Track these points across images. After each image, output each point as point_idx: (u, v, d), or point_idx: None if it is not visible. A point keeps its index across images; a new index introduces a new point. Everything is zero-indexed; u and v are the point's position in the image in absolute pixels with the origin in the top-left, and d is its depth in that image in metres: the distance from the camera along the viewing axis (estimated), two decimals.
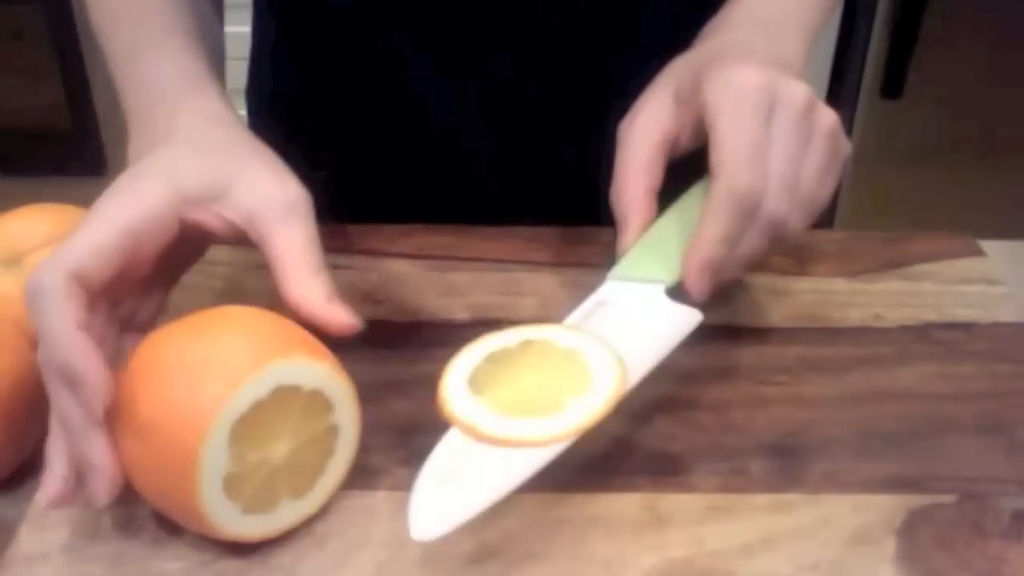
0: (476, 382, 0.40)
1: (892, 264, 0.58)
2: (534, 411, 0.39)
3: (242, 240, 0.46)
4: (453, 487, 0.39)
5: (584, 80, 0.63)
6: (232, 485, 0.38)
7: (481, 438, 0.38)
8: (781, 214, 0.45)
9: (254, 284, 0.56)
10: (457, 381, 0.40)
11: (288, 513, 0.40)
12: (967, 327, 0.54)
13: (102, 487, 0.38)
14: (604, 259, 0.52)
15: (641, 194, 0.48)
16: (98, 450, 0.38)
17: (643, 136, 0.49)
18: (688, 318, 0.46)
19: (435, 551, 0.40)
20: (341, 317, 0.44)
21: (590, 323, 0.46)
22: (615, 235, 0.60)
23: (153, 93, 0.51)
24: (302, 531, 0.41)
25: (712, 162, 0.45)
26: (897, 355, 0.51)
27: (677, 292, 0.47)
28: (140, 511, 0.42)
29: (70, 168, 1.73)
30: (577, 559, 0.40)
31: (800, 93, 0.45)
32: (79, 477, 0.39)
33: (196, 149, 0.46)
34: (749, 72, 0.45)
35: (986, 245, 0.60)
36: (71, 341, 0.38)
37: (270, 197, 0.45)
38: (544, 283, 0.57)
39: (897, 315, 0.54)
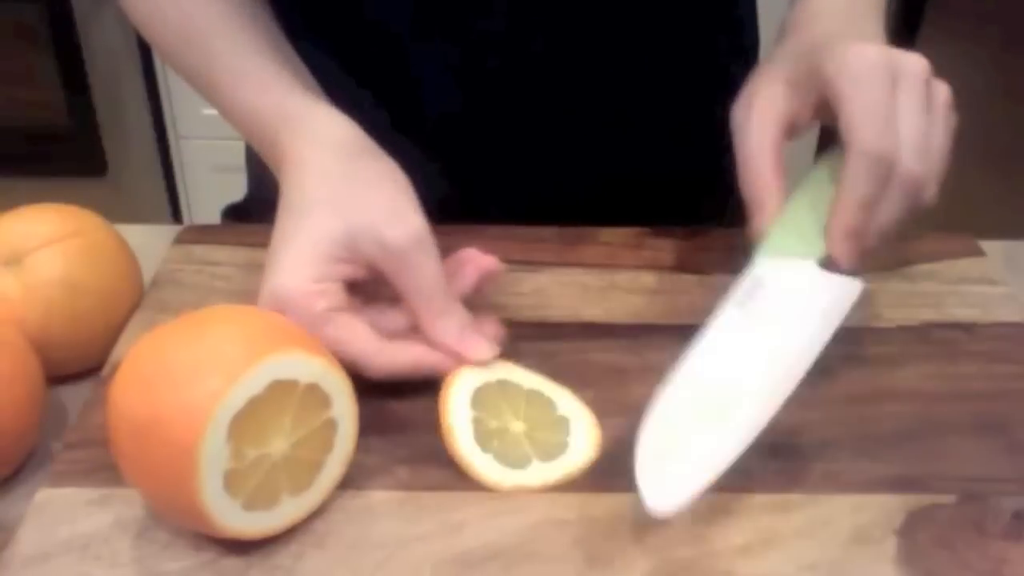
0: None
1: (892, 264, 0.58)
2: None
3: (374, 274, 0.47)
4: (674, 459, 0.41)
5: (599, 81, 0.64)
6: (232, 482, 0.38)
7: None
8: (916, 176, 0.47)
9: (254, 284, 0.56)
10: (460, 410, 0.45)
11: (289, 509, 0.40)
12: (967, 327, 0.53)
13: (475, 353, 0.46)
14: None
15: (775, 177, 0.50)
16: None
17: (765, 120, 0.50)
18: (848, 288, 0.47)
19: (435, 550, 0.40)
20: (476, 348, 0.47)
21: (753, 304, 0.47)
22: (615, 235, 0.60)
23: (263, 120, 0.52)
24: (302, 530, 0.41)
25: (844, 131, 0.47)
26: (897, 355, 0.51)
27: (827, 263, 0.48)
28: (140, 511, 0.42)
29: (70, 168, 1.73)
30: (577, 559, 0.40)
31: (920, 64, 0.48)
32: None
33: (329, 205, 0.47)
34: (868, 48, 0.47)
35: (986, 245, 0.60)
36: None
37: (395, 236, 0.46)
38: (544, 283, 0.57)
39: (897, 315, 0.54)
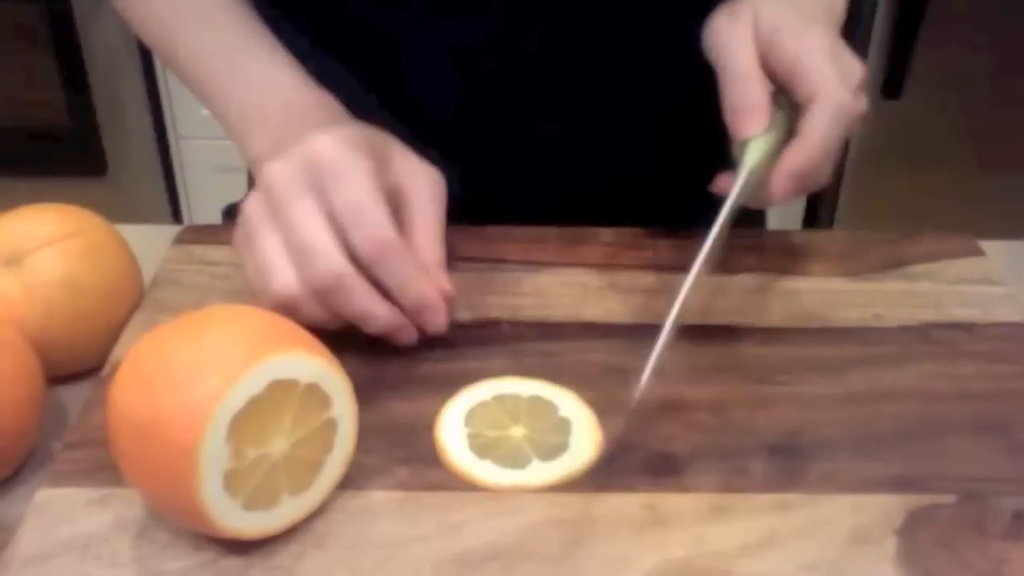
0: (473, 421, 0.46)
1: (892, 264, 0.58)
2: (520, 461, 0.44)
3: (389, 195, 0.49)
4: None
5: (596, 81, 0.64)
6: (232, 482, 0.38)
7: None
8: (830, 163, 0.50)
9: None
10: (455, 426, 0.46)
11: (289, 509, 0.40)
12: (967, 327, 0.53)
13: (439, 319, 0.49)
14: (605, 256, 0.52)
15: (767, 96, 0.51)
16: (427, 289, 0.48)
17: (749, 42, 0.52)
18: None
19: (435, 550, 0.40)
20: (444, 282, 0.50)
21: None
22: (615, 235, 0.60)
23: (265, 94, 0.55)
24: (302, 530, 0.41)
25: (808, 89, 0.50)
26: (897, 355, 0.51)
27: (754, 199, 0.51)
28: (140, 511, 0.42)
29: (70, 168, 1.73)
30: (577, 559, 0.40)
31: (858, 68, 0.52)
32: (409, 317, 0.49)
33: (348, 129, 0.50)
34: (824, 33, 0.52)
35: (986, 245, 0.60)
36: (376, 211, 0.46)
37: (422, 175, 0.51)
38: (544, 283, 0.57)
39: (897, 315, 0.54)
